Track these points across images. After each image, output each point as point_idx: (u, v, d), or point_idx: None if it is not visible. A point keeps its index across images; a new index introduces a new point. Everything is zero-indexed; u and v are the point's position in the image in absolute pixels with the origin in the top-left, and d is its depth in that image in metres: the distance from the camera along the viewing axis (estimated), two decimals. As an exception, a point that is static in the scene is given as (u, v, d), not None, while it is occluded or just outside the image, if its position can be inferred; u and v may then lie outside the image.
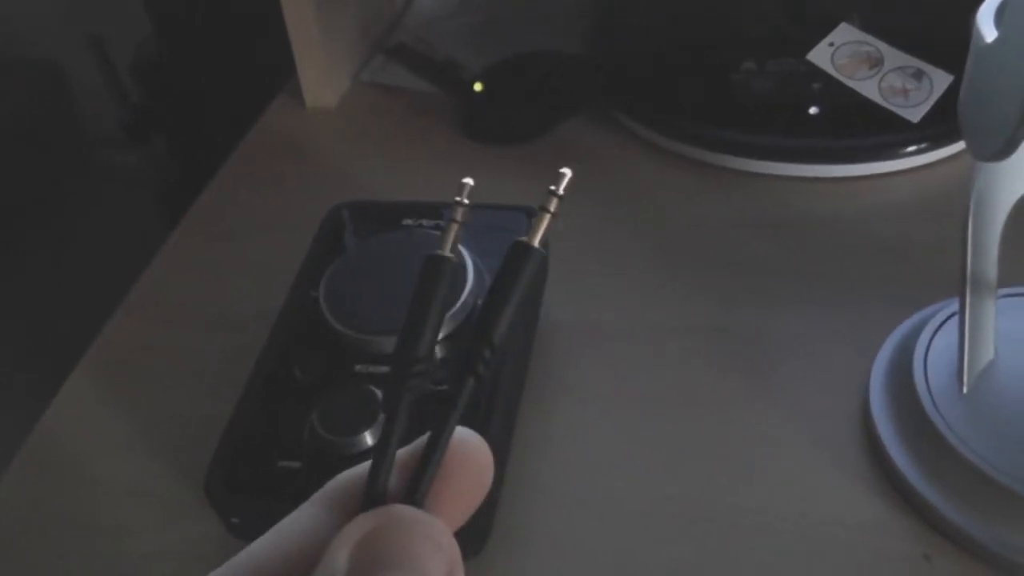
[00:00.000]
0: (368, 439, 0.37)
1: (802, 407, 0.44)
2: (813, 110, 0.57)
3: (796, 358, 0.46)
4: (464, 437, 0.22)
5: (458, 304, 0.41)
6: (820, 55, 0.58)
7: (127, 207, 1.51)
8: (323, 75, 0.66)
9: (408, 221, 0.46)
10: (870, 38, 0.58)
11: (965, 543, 0.38)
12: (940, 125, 0.56)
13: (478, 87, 0.62)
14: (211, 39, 1.31)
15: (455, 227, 0.21)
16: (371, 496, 0.20)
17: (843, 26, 0.59)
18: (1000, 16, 0.35)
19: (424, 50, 0.71)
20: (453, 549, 0.20)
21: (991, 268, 0.42)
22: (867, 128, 0.56)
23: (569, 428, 0.44)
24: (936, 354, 0.43)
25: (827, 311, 0.48)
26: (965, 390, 0.41)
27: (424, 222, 0.46)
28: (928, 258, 0.51)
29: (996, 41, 0.34)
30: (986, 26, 0.36)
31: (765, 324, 0.48)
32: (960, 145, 0.56)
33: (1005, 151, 0.34)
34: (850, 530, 0.39)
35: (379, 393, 0.38)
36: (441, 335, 0.41)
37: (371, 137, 0.65)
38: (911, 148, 0.56)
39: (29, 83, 1.63)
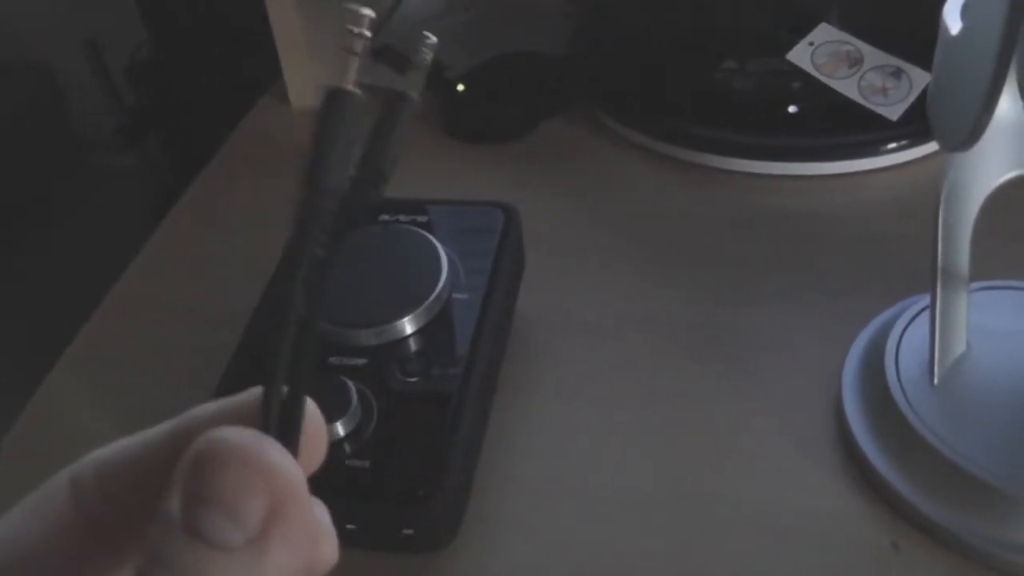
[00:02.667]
0: (340, 429, 0.38)
1: (776, 399, 0.44)
2: (792, 109, 0.57)
3: (771, 351, 0.47)
4: None
5: (432, 297, 0.41)
6: (800, 54, 0.58)
7: (121, 209, 1.51)
8: (307, 76, 0.67)
9: (385, 217, 0.47)
10: (849, 37, 0.59)
11: (933, 531, 0.39)
12: (919, 123, 0.56)
13: (461, 87, 0.62)
14: (205, 44, 1.31)
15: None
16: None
17: (823, 26, 0.59)
18: (965, 10, 0.35)
19: (409, 51, 0.71)
20: (281, 479, 0.18)
21: (963, 261, 0.42)
22: (847, 126, 0.57)
23: (544, 420, 0.44)
24: (908, 346, 0.43)
25: (803, 306, 0.49)
26: (936, 382, 0.41)
27: (401, 217, 0.46)
28: (906, 253, 0.51)
29: (960, 33, 0.35)
30: (952, 19, 0.36)
31: (741, 318, 0.48)
32: (938, 143, 0.56)
33: (969, 140, 0.34)
34: (821, 519, 0.40)
35: (352, 384, 0.39)
36: (415, 328, 0.41)
37: (356, 136, 0.65)
38: (890, 146, 0.56)
39: (25, 86, 1.64)
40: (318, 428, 0.21)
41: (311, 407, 0.20)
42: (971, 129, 0.33)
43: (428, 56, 0.20)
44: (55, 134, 1.68)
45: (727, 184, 0.57)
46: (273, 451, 0.19)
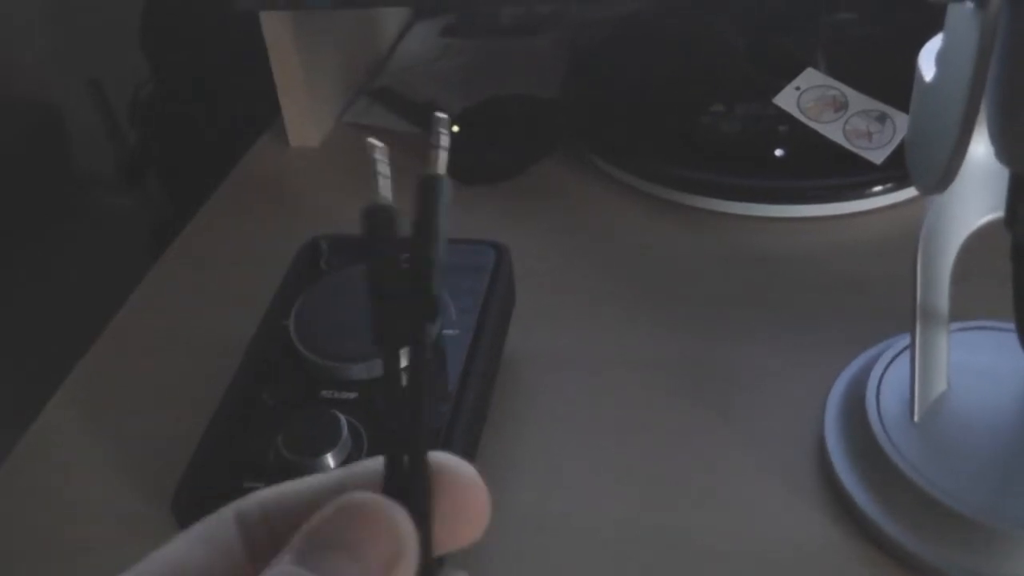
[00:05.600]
0: (331, 461, 0.38)
1: (760, 436, 0.45)
2: (778, 152, 0.58)
3: (755, 389, 0.47)
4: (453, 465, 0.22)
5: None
6: (786, 99, 0.59)
7: (120, 245, 1.52)
8: (306, 115, 0.68)
9: None
10: (835, 82, 0.60)
11: (916, 567, 0.39)
12: (903, 167, 0.57)
13: (455, 128, 0.64)
14: (207, 82, 1.33)
15: (444, 153, 0.22)
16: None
17: (809, 71, 0.61)
18: (939, 56, 0.37)
19: (406, 93, 0.73)
20: (403, 536, 0.20)
21: (942, 300, 0.43)
22: (832, 169, 0.58)
23: (530, 454, 0.45)
24: (890, 384, 0.44)
25: (787, 345, 0.50)
26: (917, 419, 0.42)
27: None
28: (889, 294, 0.52)
29: (933, 80, 0.36)
30: (926, 65, 0.37)
31: (726, 357, 0.49)
32: (922, 186, 0.57)
33: (942, 184, 0.35)
34: (803, 555, 0.40)
35: (343, 418, 0.39)
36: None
37: (352, 175, 0.66)
38: (875, 189, 0.57)
39: (25, 124, 1.65)
40: (476, 494, 0.22)
41: (472, 474, 0.22)
42: (943, 172, 0.34)
43: (445, 137, 0.22)
44: (57, 172, 1.70)
45: (714, 225, 0.58)
46: (396, 509, 0.20)
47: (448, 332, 0.43)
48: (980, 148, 0.36)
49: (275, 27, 0.66)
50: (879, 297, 0.52)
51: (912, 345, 0.43)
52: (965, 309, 0.44)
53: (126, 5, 1.32)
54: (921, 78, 0.37)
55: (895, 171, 0.57)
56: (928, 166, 0.36)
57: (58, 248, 1.61)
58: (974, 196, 0.41)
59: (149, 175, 1.53)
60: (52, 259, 1.59)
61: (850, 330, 0.49)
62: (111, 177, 1.54)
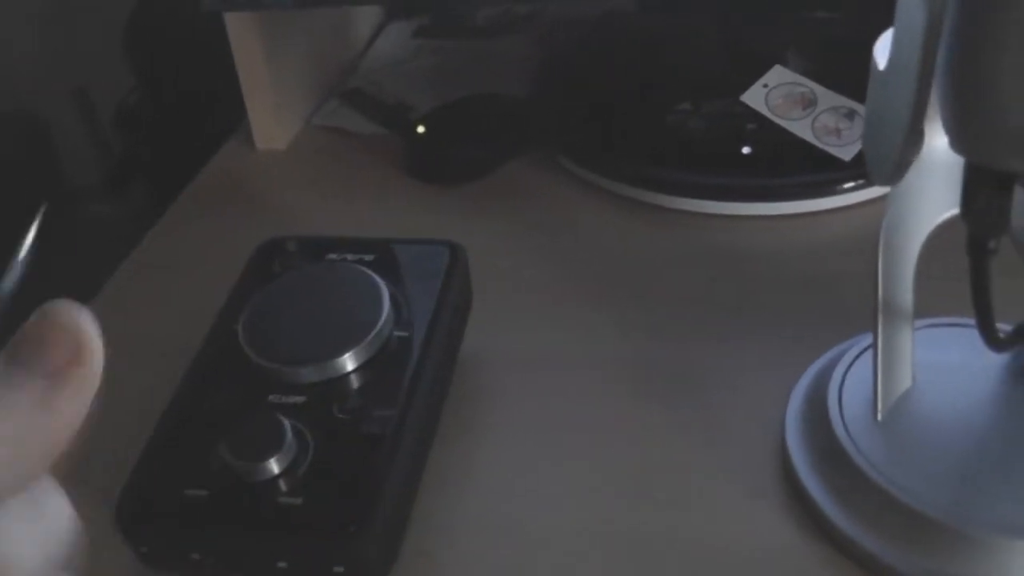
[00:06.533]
0: (274, 466, 0.37)
1: (722, 437, 0.44)
2: (746, 149, 0.58)
3: (719, 389, 0.46)
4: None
5: (372, 334, 0.41)
6: (754, 96, 0.59)
7: (109, 255, 1.52)
8: (272, 117, 0.67)
9: (333, 255, 0.47)
10: (804, 79, 0.59)
11: (877, 569, 0.38)
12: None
13: (420, 129, 0.63)
14: (186, 89, 1.32)
15: None
16: None
17: (777, 68, 0.60)
18: (892, 43, 0.36)
19: (376, 94, 0.72)
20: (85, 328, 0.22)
21: (906, 297, 0.42)
22: (801, 167, 0.57)
23: (485, 457, 0.44)
24: (853, 383, 0.43)
25: (753, 344, 0.49)
26: (880, 418, 0.41)
27: (348, 256, 0.46)
28: (858, 292, 0.50)
29: (886, 67, 0.35)
30: (881, 55, 0.36)
31: (689, 357, 0.48)
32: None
33: (896, 174, 0.34)
34: (765, 557, 0.39)
35: (287, 422, 0.38)
36: (355, 364, 0.41)
37: (318, 178, 0.66)
38: (844, 186, 0.57)
39: (10, 135, 1.65)
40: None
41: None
42: (896, 162, 0.33)
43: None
44: (44, 183, 1.69)
45: (681, 224, 0.57)
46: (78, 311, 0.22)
47: (400, 333, 0.42)
48: (941, 141, 0.35)
49: (240, 29, 0.65)
50: (848, 295, 0.51)
51: (874, 342, 0.42)
52: (934, 305, 0.43)
53: (112, 13, 1.32)
54: (875, 67, 0.36)
55: (864, 168, 0.56)
56: (882, 156, 0.35)
57: (45, 259, 1.60)
58: (936, 191, 0.40)
59: (135, 184, 1.53)
60: (38, 269, 1.58)
61: (818, 329, 0.48)
62: (98, 187, 1.53)
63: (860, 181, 0.56)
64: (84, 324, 0.22)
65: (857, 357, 0.44)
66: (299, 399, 0.40)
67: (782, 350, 0.48)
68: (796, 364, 0.46)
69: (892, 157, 0.33)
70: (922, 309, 0.44)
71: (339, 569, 0.36)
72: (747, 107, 0.58)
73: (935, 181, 0.39)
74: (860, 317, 0.47)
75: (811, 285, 0.52)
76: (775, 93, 0.59)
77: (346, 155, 0.67)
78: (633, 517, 0.41)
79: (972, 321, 0.42)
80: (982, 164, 0.32)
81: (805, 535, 0.40)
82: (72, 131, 1.59)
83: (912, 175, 0.39)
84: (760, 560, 0.39)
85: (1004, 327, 0.44)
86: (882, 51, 0.36)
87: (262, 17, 0.65)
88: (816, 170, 0.57)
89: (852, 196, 0.57)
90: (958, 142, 0.32)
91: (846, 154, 0.56)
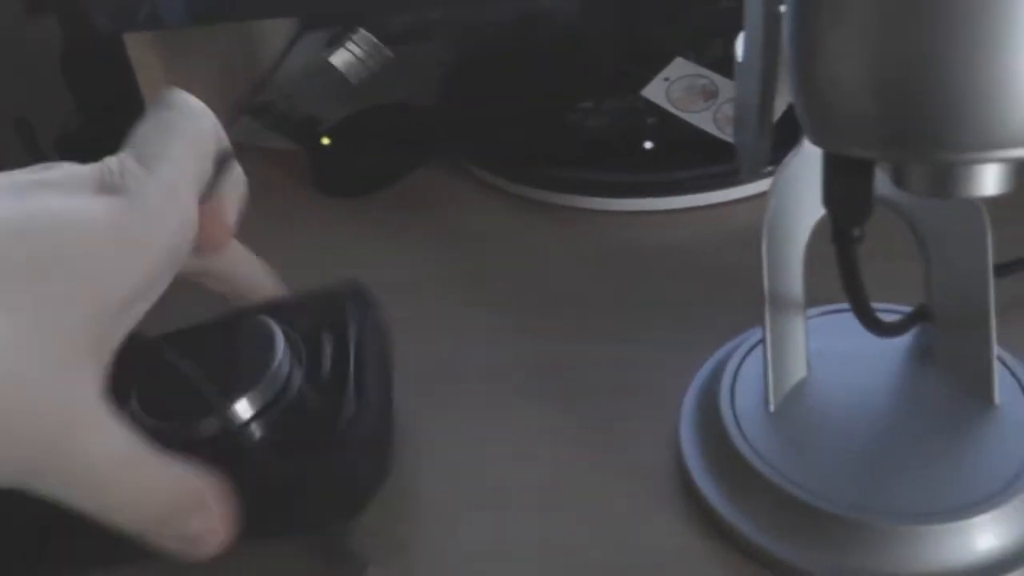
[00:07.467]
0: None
1: (620, 437, 0.43)
2: (648, 144, 0.57)
3: (620, 389, 0.46)
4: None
5: (268, 374, 0.39)
6: (655, 90, 0.58)
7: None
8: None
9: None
10: (705, 71, 0.59)
11: (772, 566, 0.38)
12: (777, 152, 0.56)
13: (326, 141, 0.62)
14: (121, 111, 1.31)
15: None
16: None
17: (678, 60, 0.59)
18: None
19: (286, 108, 0.71)
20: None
21: (796, 286, 0.42)
22: (704, 159, 0.57)
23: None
24: (746, 376, 0.43)
25: (655, 341, 0.48)
26: (772, 409, 0.41)
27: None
28: (759, 284, 0.51)
29: (740, 62, 0.35)
30: (740, 47, 0.36)
31: (592, 357, 0.48)
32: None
33: (754, 167, 0.34)
34: (660, 558, 0.39)
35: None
36: (255, 410, 0.39)
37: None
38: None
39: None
40: None
41: None
42: (751, 153, 0.33)
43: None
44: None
45: (587, 223, 0.57)
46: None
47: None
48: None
49: (140, 48, 0.64)
50: (749, 287, 0.50)
51: (763, 333, 0.41)
52: (835, 293, 0.42)
53: (44, 44, 1.30)
54: (736, 60, 0.36)
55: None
56: (745, 147, 0.35)
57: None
58: (819, 180, 0.40)
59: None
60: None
61: (717, 322, 0.48)
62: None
63: (767, 170, 0.56)
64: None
65: (751, 350, 0.44)
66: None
67: (686, 347, 0.47)
68: (693, 359, 0.46)
69: (749, 149, 0.33)
70: (821, 297, 0.44)
71: None
72: (649, 102, 0.58)
73: (817, 170, 0.39)
74: (760, 308, 0.46)
75: (712, 278, 0.51)
76: (676, 86, 0.58)
77: (254, 172, 0.66)
78: (528, 520, 0.40)
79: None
80: (832, 151, 0.32)
81: (702, 535, 0.39)
82: (18, 159, 1.57)
83: (796, 165, 0.39)
84: (654, 563, 0.38)
85: (903, 309, 0.45)
86: (740, 45, 0.36)
87: (162, 36, 0.64)
88: (718, 162, 0.56)
89: (755, 186, 0.56)
90: (808, 132, 0.32)
91: (748, 144, 0.56)
